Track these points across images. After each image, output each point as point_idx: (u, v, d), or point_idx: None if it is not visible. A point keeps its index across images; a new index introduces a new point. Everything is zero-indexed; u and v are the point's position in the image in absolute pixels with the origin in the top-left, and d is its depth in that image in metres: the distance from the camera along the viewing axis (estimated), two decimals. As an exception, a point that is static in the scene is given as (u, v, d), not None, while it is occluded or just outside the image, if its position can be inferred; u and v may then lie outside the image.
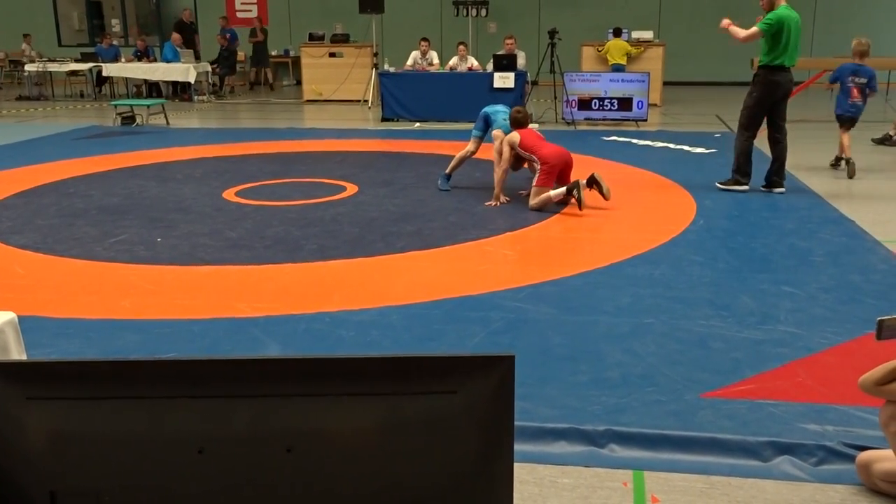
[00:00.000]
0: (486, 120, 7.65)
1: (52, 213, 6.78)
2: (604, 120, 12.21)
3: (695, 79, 18.15)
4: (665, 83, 15.11)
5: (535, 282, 4.92)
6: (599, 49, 14.70)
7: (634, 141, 10.60)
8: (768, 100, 7.25)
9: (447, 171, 7.74)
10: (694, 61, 18.15)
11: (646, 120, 12.13)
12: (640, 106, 12.04)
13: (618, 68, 14.04)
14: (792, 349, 3.90)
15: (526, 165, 7.33)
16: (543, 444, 3.03)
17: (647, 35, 15.21)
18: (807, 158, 9.08)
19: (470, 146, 7.68)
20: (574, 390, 3.47)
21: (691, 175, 8.19)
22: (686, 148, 9.97)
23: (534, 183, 6.87)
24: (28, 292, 4.85)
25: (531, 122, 12.19)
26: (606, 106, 12.16)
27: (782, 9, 7.16)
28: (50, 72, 16.51)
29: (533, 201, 6.82)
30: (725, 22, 7.40)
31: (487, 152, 7.65)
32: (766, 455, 2.95)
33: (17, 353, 2.20)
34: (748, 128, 7.39)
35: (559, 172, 6.89)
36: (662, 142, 10.45)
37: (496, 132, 7.36)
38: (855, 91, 8.56)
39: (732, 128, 11.61)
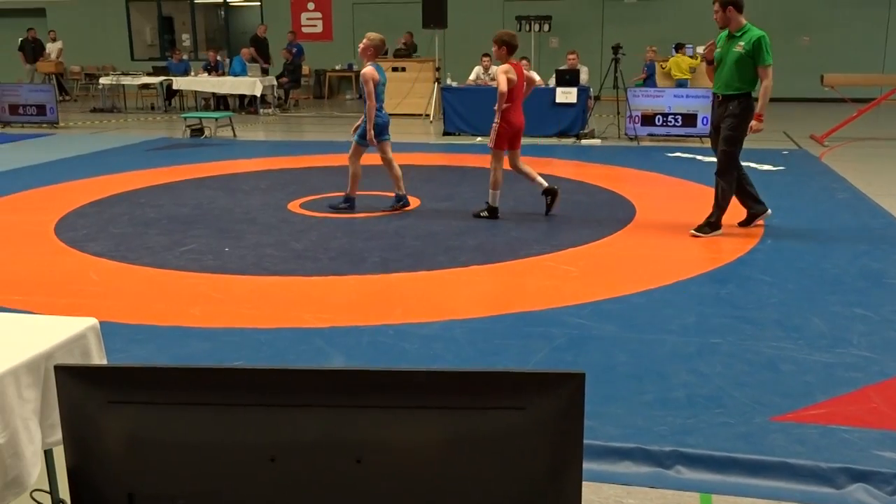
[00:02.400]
0: None
1: (124, 222, 6.98)
2: (667, 136, 12.07)
3: (761, 95, 17.81)
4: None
5: (598, 298, 4.88)
6: (664, 66, 14.55)
7: (699, 157, 10.45)
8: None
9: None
10: (760, 77, 17.82)
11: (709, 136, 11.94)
12: (704, 122, 11.86)
13: (682, 83, 13.88)
14: (865, 374, 3.79)
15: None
16: (608, 463, 3.00)
17: (713, 51, 15.00)
18: (880, 178, 8.83)
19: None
20: (639, 410, 3.43)
21: (758, 192, 8.01)
22: (753, 165, 9.77)
23: (490, 145, 6.93)
24: (102, 299, 5.00)
25: (594, 136, 12.15)
26: (670, 122, 12.02)
27: (755, 28, 6.30)
28: (123, 85, 17.04)
29: (494, 167, 6.90)
30: (756, 125, 6.20)
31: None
32: (840, 482, 2.87)
33: (98, 359, 2.27)
34: (738, 164, 6.49)
35: (512, 137, 6.97)
36: (728, 158, 10.26)
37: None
38: None
39: (801, 144, 11.39)
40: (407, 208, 7.39)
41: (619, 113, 12.52)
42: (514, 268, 5.60)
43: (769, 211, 6.70)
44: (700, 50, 6.57)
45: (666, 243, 6.27)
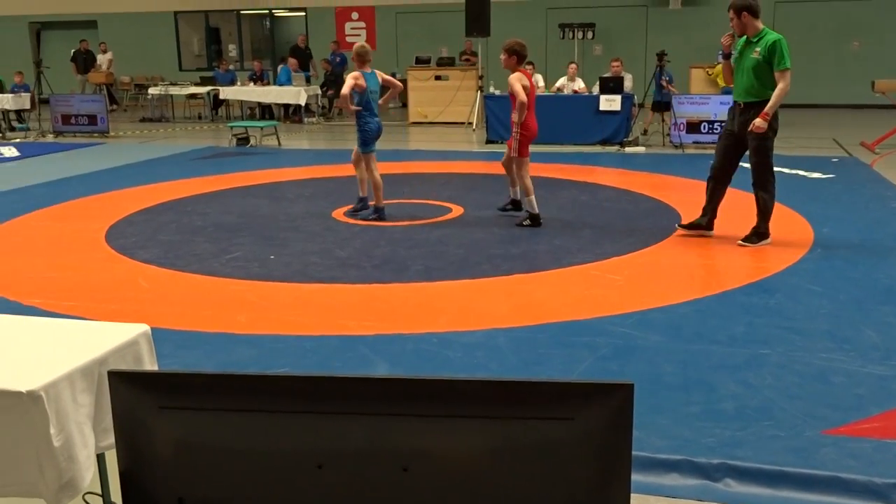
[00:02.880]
0: None
1: (172, 230, 7.10)
2: (713, 143, 11.88)
3: (809, 101, 17.51)
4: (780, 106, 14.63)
5: (643, 308, 4.83)
6: (709, 72, 14.39)
7: (745, 165, 10.26)
8: None
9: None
10: (808, 83, 17.51)
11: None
12: (751, 129, 11.69)
13: (728, 91, 13.70)
14: (921, 387, 3.69)
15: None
16: (655, 475, 2.96)
17: (760, 57, 14.79)
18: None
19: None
20: (686, 421, 3.38)
21: (807, 201, 7.89)
22: (801, 173, 9.62)
23: (516, 152, 6.94)
24: (152, 305, 5.09)
25: (637, 144, 12.05)
26: (716, 129, 11.86)
27: (772, 31, 6.14)
28: (171, 95, 17.36)
29: (522, 174, 6.93)
30: (759, 124, 6.00)
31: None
32: (894, 498, 2.80)
33: (150, 364, 2.31)
34: (773, 170, 6.29)
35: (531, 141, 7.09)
36: (776, 166, 10.05)
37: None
38: None
39: (851, 152, 11.16)
40: (380, 223, 7.24)
41: (663, 120, 12.40)
42: (558, 276, 5.57)
43: (712, 234, 6.54)
44: (724, 41, 6.33)
45: (712, 252, 6.18)
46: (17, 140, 14.21)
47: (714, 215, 6.53)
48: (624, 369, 3.94)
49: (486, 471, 1.51)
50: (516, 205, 7.35)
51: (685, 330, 4.48)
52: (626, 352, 4.18)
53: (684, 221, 6.74)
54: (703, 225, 6.53)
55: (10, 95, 14.93)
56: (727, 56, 6.34)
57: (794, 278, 5.41)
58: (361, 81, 7.09)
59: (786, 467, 2.96)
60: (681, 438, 3.22)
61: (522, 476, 1.50)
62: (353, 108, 7.12)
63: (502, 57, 7.07)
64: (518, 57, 6.95)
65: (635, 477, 2.92)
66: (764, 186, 6.25)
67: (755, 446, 3.15)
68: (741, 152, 6.35)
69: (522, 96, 6.80)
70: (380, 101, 7.49)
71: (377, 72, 7.51)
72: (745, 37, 6.15)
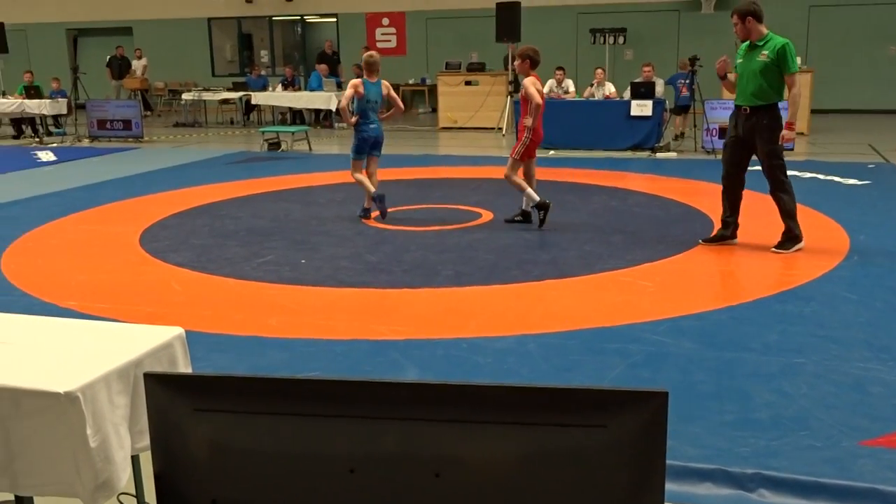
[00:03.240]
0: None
1: (204, 234, 7.17)
2: (746, 149, 11.78)
3: (845, 106, 17.28)
4: (813, 111, 14.45)
5: (675, 315, 4.79)
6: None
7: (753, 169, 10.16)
8: None
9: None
10: (844, 88, 17.30)
11: (792, 149, 11.61)
12: (785, 135, 11.55)
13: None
14: (962, 398, 3.61)
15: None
16: (688, 484, 2.93)
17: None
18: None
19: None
20: (720, 430, 3.34)
21: (843, 207, 7.77)
22: (837, 179, 9.49)
23: (516, 154, 7.05)
24: (184, 308, 5.14)
25: (669, 150, 11.96)
26: (749, 134, 11.74)
27: (778, 36, 6.11)
28: (204, 100, 17.55)
29: (512, 174, 7.06)
30: (788, 135, 6.06)
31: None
32: (935, 511, 2.74)
33: (184, 367, 2.33)
34: (785, 170, 6.24)
35: (534, 148, 7.20)
36: (811, 172, 9.98)
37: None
38: None
39: (888, 158, 10.98)
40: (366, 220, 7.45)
41: (695, 126, 12.30)
42: (589, 282, 5.54)
43: (737, 242, 6.46)
44: (718, 66, 6.41)
45: (745, 259, 6.11)
46: (54, 144, 14.45)
47: (737, 224, 6.45)
48: (656, 377, 3.90)
49: (518, 478, 1.50)
50: (526, 216, 7.33)
51: (718, 337, 4.43)
52: (658, 359, 4.15)
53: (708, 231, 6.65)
54: (728, 235, 6.45)
55: (48, 101, 15.18)
56: (722, 77, 6.40)
57: (829, 286, 5.33)
58: (361, 89, 7.39)
59: (822, 478, 2.91)
60: (714, 447, 3.18)
61: (554, 483, 1.49)
62: (351, 119, 7.47)
63: (516, 63, 7.21)
64: (531, 62, 7.05)
65: (668, 486, 2.88)
66: (782, 188, 6.21)
67: (790, 457, 3.11)
68: (749, 156, 6.31)
69: (538, 98, 6.91)
70: (380, 117, 7.75)
71: (384, 83, 7.74)
72: (747, 42, 6.11)
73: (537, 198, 7.05)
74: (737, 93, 6.22)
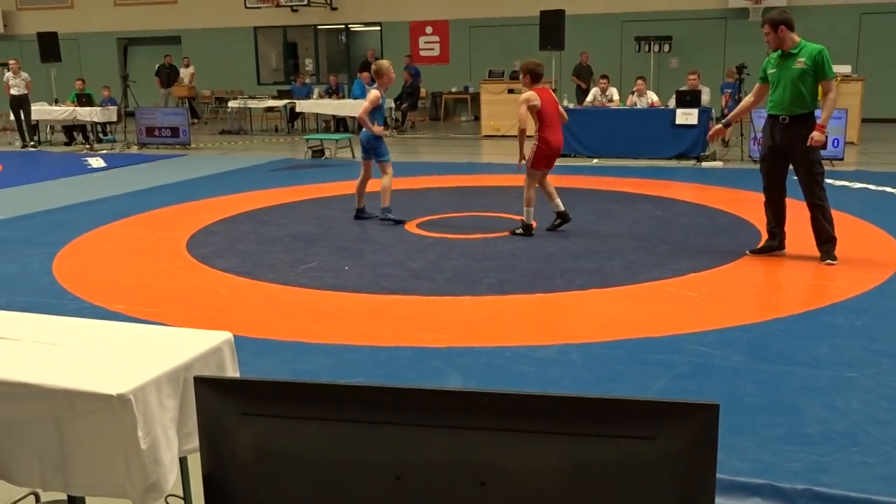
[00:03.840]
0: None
1: (249, 240, 7.25)
2: (794, 158, 11.58)
3: (895, 115, 16.91)
4: (864, 120, 14.17)
5: (722, 326, 4.72)
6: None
7: (829, 181, 9.92)
8: None
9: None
10: (895, 97, 16.92)
11: (842, 159, 11.41)
12: (835, 144, 11.34)
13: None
14: None
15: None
16: (736, 498, 2.87)
17: (845, 69, 14.33)
18: None
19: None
20: (769, 444, 3.28)
21: (895, 218, 7.59)
22: (889, 189, 9.28)
23: (529, 163, 7.03)
24: (230, 313, 5.20)
25: (715, 159, 11.81)
26: (797, 144, 11.54)
27: (811, 42, 6.04)
28: (249, 108, 17.78)
29: (527, 185, 7.10)
30: (818, 137, 5.90)
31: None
32: None
33: (232, 371, 2.35)
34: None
35: (550, 158, 7.16)
36: (861, 182, 9.77)
37: None
38: None
39: (942, 168, 10.70)
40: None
41: (742, 135, 12.13)
42: (633, 292, 5.48)
43: (785, 252, 6.32)
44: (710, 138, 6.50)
45: (795, 270, 6.00)
46: (104, 151, 14.75)
47: (783, 234, 6.34)
48: (702, 389, 3.85)
49: (565, 489, 1.49)
50: (563, 216, 7.34)
51: (766, 350, 4.36)
52: (704, 371, 4.09)
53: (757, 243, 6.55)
54: (776, 246, 6.34)
55: (99, 109, 15.51)
56: (728, 125, 6.61)
57: (881, 299, 5.20)
58: (379, 101, 7.64)
59: (875, 496, 2.84)
60: (763, 462, 3.12)
61: (602, 495, 1.48)
62: (378, 129, 7.65)
63: (521, 76, 7.32)
64: (532, 76, 7.12)
65: (716, 499, 2.84)
66: (820, 195, 6.12)
67: (842, 473, 3.04)
68: (787, 166, 6.24)
69: (523, 123, 7.01)
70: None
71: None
72: (779, 51, 6.04)
73: (531, 220, 7.16)
74: (771, 103, 6.13)
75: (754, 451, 3.21)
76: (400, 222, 7.72)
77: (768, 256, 6.30)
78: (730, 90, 13.94)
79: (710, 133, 6.75)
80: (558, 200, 7.34)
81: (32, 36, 18.11)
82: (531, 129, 7.07)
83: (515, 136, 7.45)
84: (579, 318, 4.99)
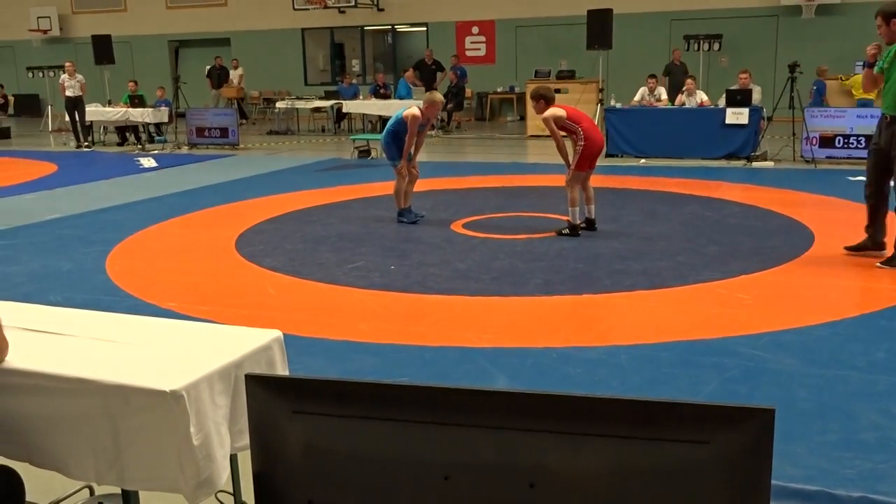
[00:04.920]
0: (396, 137, 7.67)
1: (297, 239, 7.32)
2: (848, 158, 11.33)
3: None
4: (921, 119, 13.80)
5: (774, 329, 4.63)
6: (843, 79, 13.72)
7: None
8: None
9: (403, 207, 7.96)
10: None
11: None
12: (891, 143, 11.06)
13: (864, 104, 13.02)
14: None
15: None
16: (789, 505, 2.81)
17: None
18: None
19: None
20: (823, 450, 3.20)
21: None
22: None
23: (573, 165, 7.04)
24: (278, 311, 5.25)
25: (766, 159, 11.61)
26: (852, 144, 11.29)
27: None
28: (297, 109, 17.96)
29: (570, 186, 7.09)
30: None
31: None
32: None
33: (282, 369, 2.37)
34: None
35: (594, 156, 7.12)
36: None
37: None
38: None
39: None
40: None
41: (794, 134, 11.89)
42: (683, 294, 5.40)
43: (884, 254, 6.06)
44: (869, 50, 5.96)
45: (850, 273, 5.86)
46: (156, 151, 15.03)
47: (882, 233, 6.12)
48: (753, 393, 3.78)
49: (615, 492, 1.47)
50: (590, 224, 7.35)
51: (820, 354, 4.26)
52: (756, 374, 4.01)
53: (850, 243, 6.30)
54: (870, 245, 6.15)
55: (151, 109, 15.81)
56: (871, 65, 5.99)
57: (941, 302, 5.06)
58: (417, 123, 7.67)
59: (935, 505, 2.76)
60: (817, 468, 3.05)
61: (653, 500, 1.45)
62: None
63: (532, 104, 7.37)
64: (545, 100, 7.17)
65: (768, 506, 2.79)
66: None
67: (900, 481, 2.95)
68: (889, 167, 5.94)
69: (558, 138, 7.07)
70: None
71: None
72: (894, 45, 5.79)
73: (577, 220, 7.12)
74: (883, 99, 5.90)
75: (808, 457, 3.14)
76: (413, 222, 7.72)
77: (823, 258, 6.15)
78: (815, 87, 13.67)
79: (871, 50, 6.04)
80: (593, 206, 7.36)
81: (87, 38, 18.56)
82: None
83: (562, 136, 7.38)
84: (627, 320, 4.94)
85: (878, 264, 5.88)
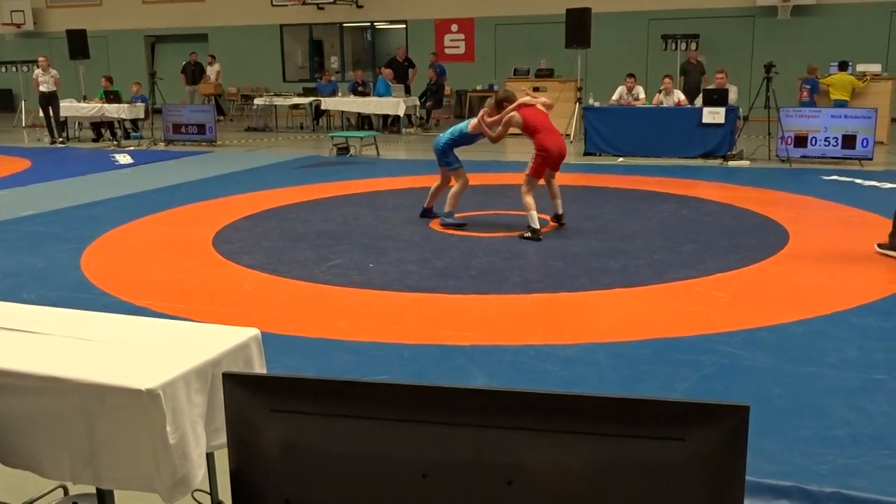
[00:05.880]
0: (454, 145, 7.80)
1: (275, 237, 7.29)
2: (822, 158, 11.46)
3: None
4: (894, 119, 13.98)
5: (749, 327, 4.67)
6: (819, 77, 13.88)
7: (858, 181, 9.87)
8: None
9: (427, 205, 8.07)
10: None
11: (871, 159, 11.26)
12: (864, 144, 11.20)
13: (840, 104, 13.17)
14: None
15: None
16: (764, 500, 2.85)
17: (875, 68, 14.16)
18: None
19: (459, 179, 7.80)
20: (796, 446, 3.24)
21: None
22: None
23: (527, 172, 7.17)
24: (256, 309, 5.23)
25: (742, 158, 11.71)
26: (827, 143, 11.42)
27: None
28: (275, 105, 17.87)
29: (525, 191, 7.14)
30: None
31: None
32: None
33: (259, 367, 2.37)
34: None
35: (553, 162, 7.22)
36: (891, 182, 9.64)
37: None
38: None
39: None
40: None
41: (769, 134, 12.01)
42: (660, 292, 5.44)
43: None
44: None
45: (823, 271, 5.93)
46: (131, 148, 14.89)
47: None
48: (729, 390, 3.82)
49: (592, 489, 1.48)
50: (558, 220, 7.51)
51: (794, 351, 4.31)
52: (732, 371, 4.05)
53: (881, 241, 6.33)
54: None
55: (126, 105, 15.66)
56: None
57: (912, 300, 5.13)
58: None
59: (906, 500, 2.80)
60: (791, 464, 3.09)
61: (629, 496, 1.47)
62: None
63: (491, 109, 7.60)
64: (508, 102, 7.39)
65: (744, 502, 2.82)
66: None
67: (871, 476, 3.00)
68: None
69: (496, 132, 7.40)
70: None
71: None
72: None
73: (536, 224, 7.06)
74: None
75: (782, 452, 3.18)
76: (461, 226, 7.56)
77: (798, 256, 6.22)
78: (809, 86, 13.77)
79: None
80: (559, 202, 7.47)
81: (61, 33, 18.34)
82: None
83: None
84: (605, 318, 4.97)
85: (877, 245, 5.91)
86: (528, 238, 7.08)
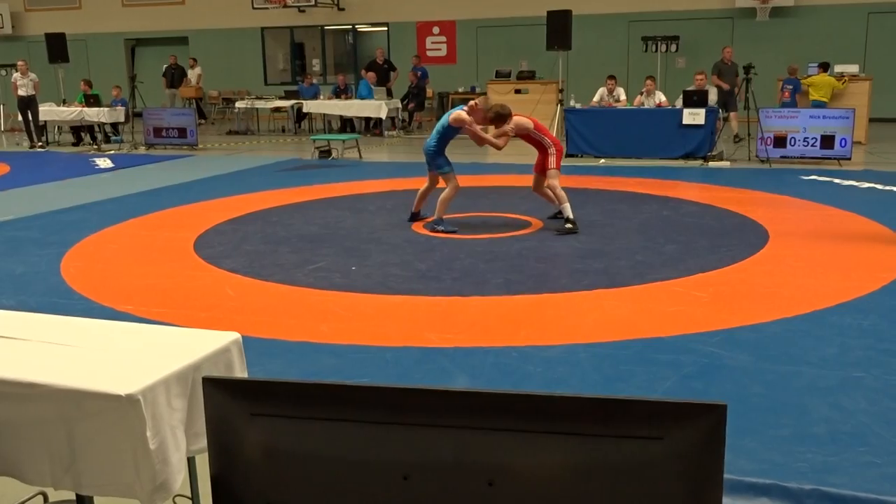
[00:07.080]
0: (443, 143, 7.82)
1: (257, 240, 7.26)
2: (801, 158, 11.57)
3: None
4: (871, 120, 14.12)
5: (729, 326, 4.71)
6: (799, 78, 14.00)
7: (836, 181, 9.97)
8: None
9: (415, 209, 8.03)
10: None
11: (849, 159, 11.38)
12: (843, 144, 11.32)
13: (818, 104, 13.29)
14: None
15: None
16: (744, 499, 2.87)
17: (853, 69, 14.30)
18: None
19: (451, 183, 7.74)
20: (776, 444, 3.27)
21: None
22: (896, 189, 9.25)
23: (553, 165, 7.47)
24: (237, 313, 5.21)
25: (722, 159, 11.79)
26: (806, 143, 11.52)
27: None
28: (256, 109, 17.81)
29: (555, 183, 7.43)
30: None
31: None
32: None
33: (240, 371, 2.36)
34: None
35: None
36: (869, 182, 9.75)
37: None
38: None
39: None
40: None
41: (749, 134, 12.11)
42: (641, 292, 5.48)
43: None
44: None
45: (803, 270, 5.99)
46: (112, 152, 14.79)
47: None
48: (709, 389, 3.84)
49: (572, 489, 1.49)
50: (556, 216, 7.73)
51: (773, 350, 4.35)
52: (712, 371, 4.08)
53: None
54: None
55: (107, 109, 15.55)
56: None
57: (888, 298, 5.19)
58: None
59: (883, 496, 2.84)
60: (770, 462, 3.12)
61: (609, 495, 1.48)
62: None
63: (493, 125, 7.73)
64: (502, 119, 7.57)
65: (724, 500, 2.84)
66: None
67: (850, 473, 3.03)
68: None
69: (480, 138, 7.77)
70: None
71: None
72: None
73: (572, 214, 7.32)
74: None
75: (761, 451, 3.21)
76: (451, 232, 7.47)
77: (777, 256, 6.27)
78: (791, 86, 13.83)
79: None
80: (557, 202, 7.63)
81: (40, 37, 18.18)
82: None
83: (517, 137, 7.75)
84: (587, 319, 4.99)
85: None
86: (569, 230, 7.22)
